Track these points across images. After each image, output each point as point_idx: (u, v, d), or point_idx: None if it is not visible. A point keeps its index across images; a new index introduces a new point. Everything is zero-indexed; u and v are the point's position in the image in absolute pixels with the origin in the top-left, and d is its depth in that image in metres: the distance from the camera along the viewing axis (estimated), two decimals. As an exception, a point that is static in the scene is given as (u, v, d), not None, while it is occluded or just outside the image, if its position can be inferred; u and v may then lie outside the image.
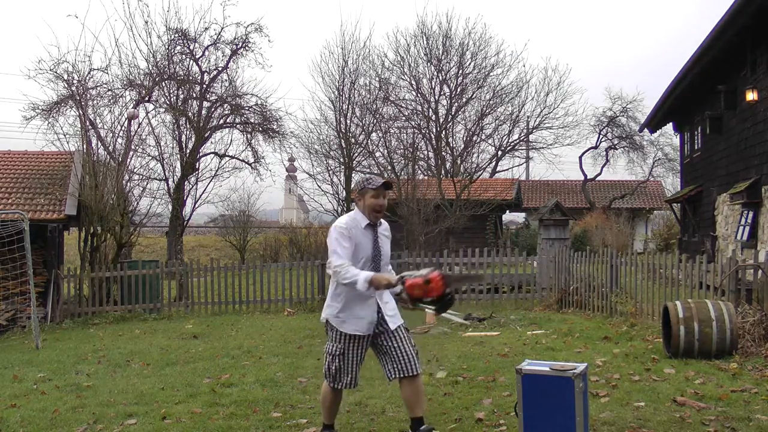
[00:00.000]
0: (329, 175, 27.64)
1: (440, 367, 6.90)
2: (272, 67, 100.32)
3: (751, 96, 11.97)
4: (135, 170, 17.83)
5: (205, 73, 21.98)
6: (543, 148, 33.81)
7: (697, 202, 16.79)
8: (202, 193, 22.79)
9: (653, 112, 18.75)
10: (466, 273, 4.06)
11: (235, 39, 21.66)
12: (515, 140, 32.99)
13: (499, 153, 32.68)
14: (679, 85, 15.55)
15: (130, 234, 15.84)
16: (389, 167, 23.84)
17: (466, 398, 5.67)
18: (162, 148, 20.78)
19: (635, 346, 7.74)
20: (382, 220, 4.40)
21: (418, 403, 4.33)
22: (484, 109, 28.39)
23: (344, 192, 26.84)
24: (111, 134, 16.38)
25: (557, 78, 41.34)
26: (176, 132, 21.17)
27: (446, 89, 28.44)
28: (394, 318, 4.35)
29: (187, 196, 21.97)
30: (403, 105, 27.61)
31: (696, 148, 17.36)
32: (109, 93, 19.13)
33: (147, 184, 18.89)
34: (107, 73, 19.65)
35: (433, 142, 26.81)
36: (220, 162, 22.76)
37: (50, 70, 17.95)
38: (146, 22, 23.19)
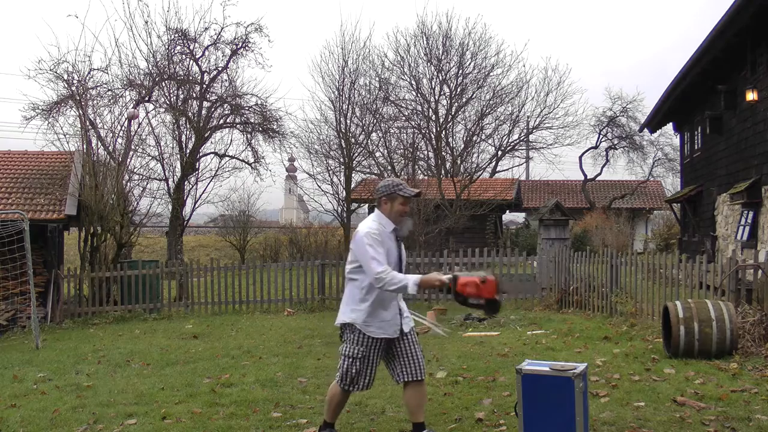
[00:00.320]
0: (329, 175, 27.62)
1: (440, 367, 6.90)
2: (272, 67, 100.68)
3: (751, 96, 11.96)
4: (135, 170, 17.84)
5: (205, 73, 21.97)
6: (543, 148, 33.81)
7: (697, 202, 16.79)
8: (202, 193, 22.79)
9: (653, 112, 18.74)
10: (519, 277, 4.12)
11: (235, 39, 21.65)
12: (515, 140, 32.99)
13: (499, 153, 32.67)
14: (679, 85, 15.55)
15: (130, 234, 15.84)
16: (389, 167, 23.83)
17: (466, 398, 5.67)
18: (162, 148, 20.77)
19: (635, 346, 7.74)
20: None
21: (420, 408, 4.36)
22: (484, 109, 28.37)
23: (344, 192, 26.85)
24: (111, 134, 16.39)
25: (557, 78, 41.30)
26: (176, 132, 21.14)
27: (446, 89, 28.42)
28: (407, 320, 4.38)
29: (187, 196, 21.95)
30: (403, 105, 27.60)
31: (696, 148, 17.36)
32: (109, 93, 19.12)
33: (147, 184, 18.90)
34: (107, 73, 19.62)
35: (433, 142, 26.79)
36: (220, 162, 22.75)
37: (50, 70, 17.93)
38: (146, 22, 23.15)
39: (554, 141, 33.35)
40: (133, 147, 16.85)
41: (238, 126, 22.69)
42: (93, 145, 15.46)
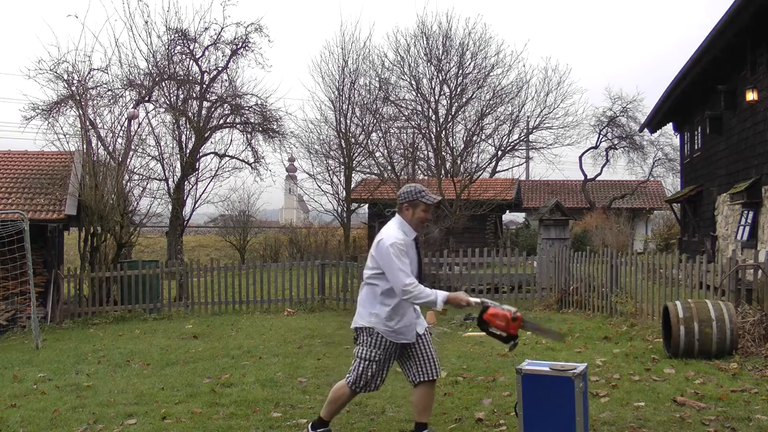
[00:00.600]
0: (329, 175, 27.65)
1: (440, 367, 6.89)
2: (272, 67, 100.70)
3: (751, 96, 11.96)
4: (135, 170, 17.83)
5: (205, 73, 21.96)
6: (543, 148, 33.82)
7: (697, 202, 16.79)
8: (202, 193, 22.79)
9: (653, 112, 18.74)
10: (546, 328, 4.17)
11: (235, 39, 21.65)
12: (515, 140, 32.99)
13: (499, 153, 32.67)
14: (679, 85, 15.55)
15: (130, 234, 15.83)
16: (389, 167, 23.82)
17: (466, 398, 5.67)
18: (162, 148, 20.77)
19: (635, 346, 7.74)
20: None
21: (428, 409, 4.39)
22: (484, 109, 28.35)
23: (344, 192, 26.84)
24: (111, 134, 16.38)
25: (557, 78, 41.28)
26: (176, 132, 21.14)
27: (446, 89, 28.40)
28: (420, 321, 4.40)
29: (187, 196, 21.95)
30: (403, 105, 27.58)
31: (696, 148, 17.36)
32: (109, 93, 19.11)
33: (147, 184, 18.89)
34: (107, 73, 19.61)
35: (433, 142, 26.77)
36: (220, 162, 22.75)
37: (50, 70, 17.93)
38: (146, 22, 23.17)
39: (554, 141, 33.39)
40: (133, 147, 16.85)
41: (238, 126, 22.69)
42: (93, 145, 15.46)
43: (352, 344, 4.45)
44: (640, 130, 26.70)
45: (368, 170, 26.78)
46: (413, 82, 28.23)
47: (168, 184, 21.02)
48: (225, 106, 22.28)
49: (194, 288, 13.99)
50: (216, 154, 22.60)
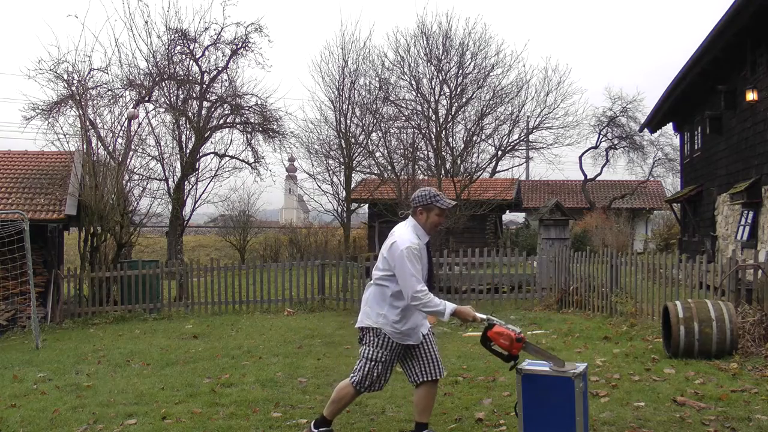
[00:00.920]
0: (329, 175, 27.66)
1: (443, 367, 6.89)
2: (272, 67, 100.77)
3: (751, 96, 11.96)
4: (135, 170, 17.83)
5: (205, 73, 21.97)
6: (543, 148, 33.85)
7: (697, 202, 16.79)
8: (202, 193, 22.81)
9: (653, 112, 18.74)
10: (547, 352, 4.16)
11: (235, 39, 21.66)
12: (515, 140, 33.03)
13: (499, 153, 32.69)
14: (679, 85, 15.55)
15: (130, 234, 15.83)
16: (389, 167, 23.82)
17: (466, 398, 5.67)
18: (162, 148, 20.79)
19: (635, 346, 7.74)
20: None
21: (429, 409, 4.40)
22: (484, 109, 28.37)
23: (344, 192, 26.85)
24: (111, 134, 16.38)
25: (557, 78, 41.41)
26: (176, 132, 21.15)
27: (446, 89, 28.42)
28: (425, 323, 4.41)
29: (187, 196, 21.96)
30: (403, 105, 27.59)
31: (696, 148, 17.35)
32: (109, 93, 19.12)
33: (147, 184, 18.90)
34: (107, 73, 19.66)
35: (433, 142, 26.78)
36: (220, 162, 22.77)
37: (50, 70, 17.92)
38: (146, 22, 23.27)
39: (554, 141, 33.43)
40: (133, 147, 16.85)
41: (238, 126, 22.70)
42: (93, 145, 15.45)
43: (353, 344, 4.46)
44: (640, 130, 26.70)
45: (368, 170, 26.80)
46: (413, 82, 28.26)
47: (168, 184, 21.05)
48: (225, 106, 22.30)
49: (194, 288, 13.99)
50: (216, 154, 22.62)
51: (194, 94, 21.90)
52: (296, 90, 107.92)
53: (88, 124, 15.55)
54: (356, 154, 26.68)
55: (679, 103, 16.87)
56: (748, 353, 6.82)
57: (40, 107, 19.21)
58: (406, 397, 5.57)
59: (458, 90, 28.16)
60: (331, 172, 27.58)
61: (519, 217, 36.15)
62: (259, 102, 22.47)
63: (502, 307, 12.29)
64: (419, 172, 25.69)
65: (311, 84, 75.85)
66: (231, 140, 27.21)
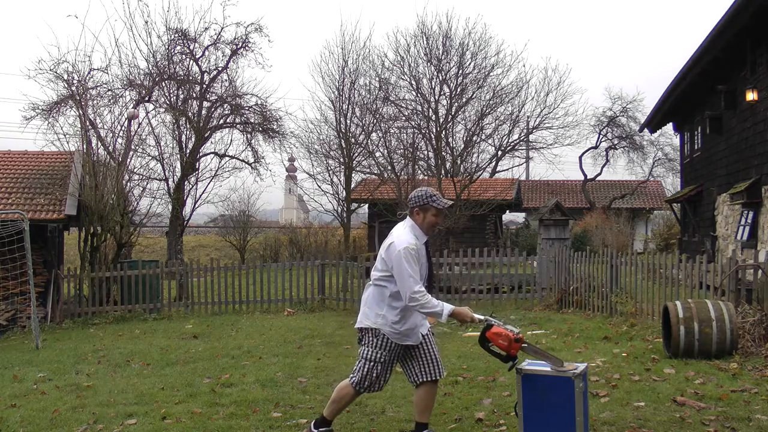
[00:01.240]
0: (329, 175, 27.68)
1: (443, 367, 6.89)
2: (272, 67, 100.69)
3: (751, 96, 11.96)
4: (135, 170, 17.82)
5: (205, 73, 21.95)
6: (543, 148, 33.85)
7: (697, 202, 16.79)
8: (202, 193, 22.79)
9: (653, 112, 18.74)
10: (546, 352, 4.13)
11: (235, 39, 21.65)
12: (515, 140, 33.02)
13: (499, 153, 32.68)
14: (679, 85, 15.55)
15: (130, 234, 15.83)
16: (389, 167, 23.83)
17: (466, 398, 5.67)
18: (162, 148, 20.76)
19: (635, 346, 7.74)
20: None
21: (429, 409, 4.39)
22: (484, 109, 28.37)
23: (344, 192, 26.85)
24: (111, 134, 16.37)
25: (557, 78, 41.42)
26: (176, 132, 21.14)
27: (446, 89, 28.42)
28: (424, 323, 4.41)
29: (187, 196, 21.95)
30: (403, 105, 27.60)
31: (696, 148, 17.35)
32: (109, 93, 19.09)
33: (147, 184, 18.88)
34: (107, 73, 19.63)
35: (433, 142, 26.79)
36: (220, 162, 22.75)
37: (50, 70, 17.90)
38: (146, 22, 23.22)
39: (554, 141, 33.42)
40: (133, 147, 16.83)
41: (238, 126, 22.69)
42: (93, 145, 15.45)
43: (353, 344, 4.46)
44: (640, 130, 26.70)
45: (368, 170, 26.81)
46: (413, 82, 28.27)
47: (168, 184, 21.03)
48: (225, 106, 22.29)
49: (194, 288, 13.99)
50: (216, 154, 22.61)
51: (194, 94, 21.89)
52: (296, 90, 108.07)
53: (88, 124, 15.55)
54: (356, 154, 26.70)
55: (679, 103, 16.87)
56: (748, 353, 6.82)
57: (40, 107, 19.20)
58: (406, 397, 5.57)
59: (458, 90, 28.17)
60: (331, 172, 27.61)
61: (519, 217, 36.17)
62: (259, 102, 22.48)
63: (502, 307, 12.29)
64: (419, 172, 25.71)
65: (311, 84, 76.01)
66: (231, 140, 27.21)
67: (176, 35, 21.02)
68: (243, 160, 23.07)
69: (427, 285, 4.22)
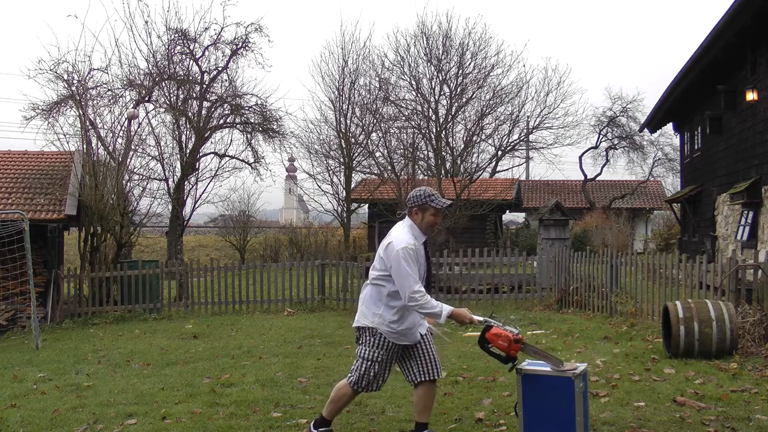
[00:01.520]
0: (329, 175, 27.68)
1: (441, 367, 6.89)
2: (272, 67, 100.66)
3: (751, 96, 11.96)
4: (135, 170, 17.82)
5: (205, 73, 21.96)
6: (543, 148, 33.85)
7: (697, 202, 16.79)
8: (202, 193, 22.79)
9: (653, 112, 18.75)
10: (546, 353, 4.11)
11: (235, 39, 21.65)
12: (515, 140, 33.02)
13: (499, 153, 32.68)
14: (679, 85, 15.55)
15: (130, 234, 15.82)
16: (389, 167, 23.83)
17: (466, 398, 5.67)
18: (162, 148, 20.76)
19: (635, 346, 7.74)
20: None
21: (428, 409, 4.39)
22: (484, 109, 28.39)
23: (344, 192, 26.85)
24: (111, 134, 16.36)
25: (557, 78, 41.45)
26: (176, 132, 21.14)
27: (446, 89, 28.44)
28: (423, 323, 4.40)
29: (187, 196, 21.95)
30: (403, 105, 27.62)
31: (696, 148, 17.36)
32: (109, 93, 19.09)
33: (147, 184, 18.88)
34: (107, 73, 19.64)
35: (433, 142, 26.82)
36: (220, 162, 22.75)
37: (50, 70, 17.89)
38: (146, 22, 23.25)
39: (554, 141, 33.43)
40: (133, 147, 16.83)
41: (238, 126, 22.70)
42: (93, 145, 15.44)
43: (353, 344, 4.46)
44: (640, 130, 26.71)
45: (368, 170, 26.82)
46: (413, 82, 28.28)
47: (168, 184, 21.04)
48: (225, 106, 22.30)
49: (194, 288, 13.99)
50: (216, 154, 22.61)
51: (194, 94, 21.90)
52: (296, 90, 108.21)
53: (88, 124, 15.55)
54: (356, 154, 26.70)
55: (679, 103, 16.87)
56: (748, 353, 6.82)
57: (40, 107, 19.19)
58: (406, 397, 5.57)
59: (458, 90, 28.18)
60: (331, 172, 27.62)
61: (519, 217, 36.17)
62: (259, 102, 22.50)
63: (502, 307, 12.29)
64: (419, 172, 25.73)
65: (311, 84, 76.07)
66: (231, 140, 27.24)
67: (176, 35, 21.04)
68: (243, 160, 23.09)
69: (425, 285, 4.21)
